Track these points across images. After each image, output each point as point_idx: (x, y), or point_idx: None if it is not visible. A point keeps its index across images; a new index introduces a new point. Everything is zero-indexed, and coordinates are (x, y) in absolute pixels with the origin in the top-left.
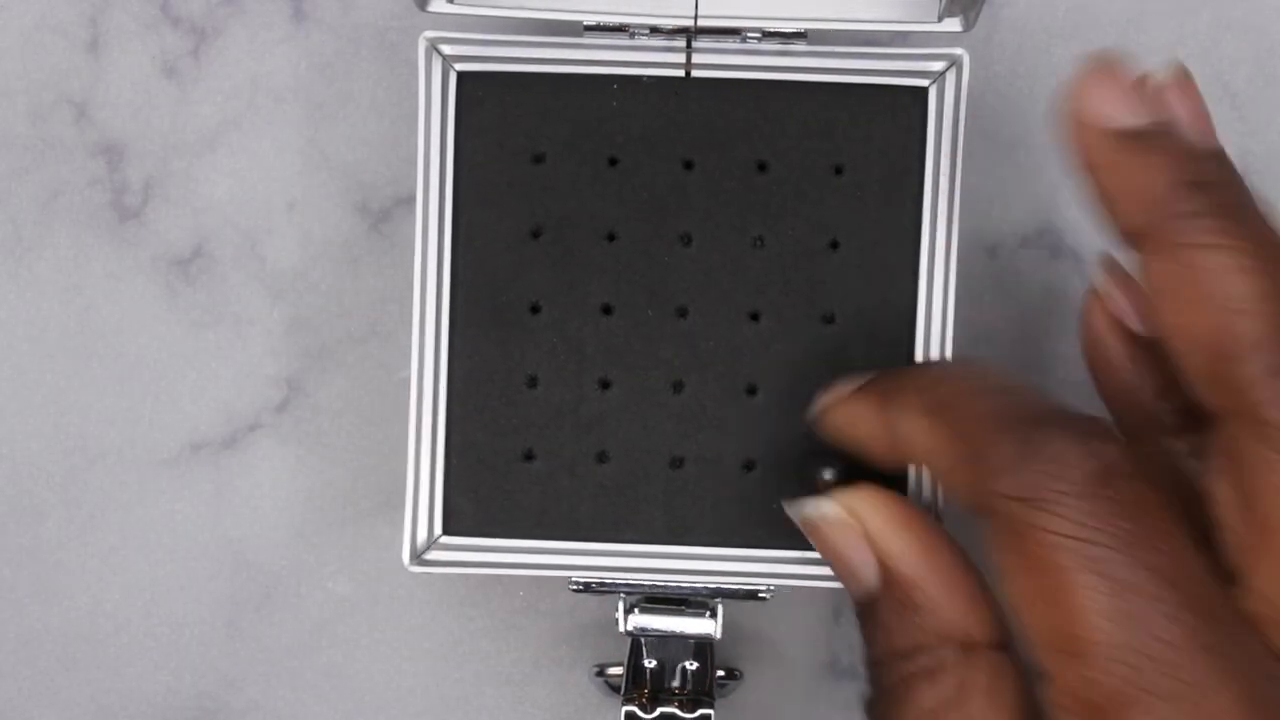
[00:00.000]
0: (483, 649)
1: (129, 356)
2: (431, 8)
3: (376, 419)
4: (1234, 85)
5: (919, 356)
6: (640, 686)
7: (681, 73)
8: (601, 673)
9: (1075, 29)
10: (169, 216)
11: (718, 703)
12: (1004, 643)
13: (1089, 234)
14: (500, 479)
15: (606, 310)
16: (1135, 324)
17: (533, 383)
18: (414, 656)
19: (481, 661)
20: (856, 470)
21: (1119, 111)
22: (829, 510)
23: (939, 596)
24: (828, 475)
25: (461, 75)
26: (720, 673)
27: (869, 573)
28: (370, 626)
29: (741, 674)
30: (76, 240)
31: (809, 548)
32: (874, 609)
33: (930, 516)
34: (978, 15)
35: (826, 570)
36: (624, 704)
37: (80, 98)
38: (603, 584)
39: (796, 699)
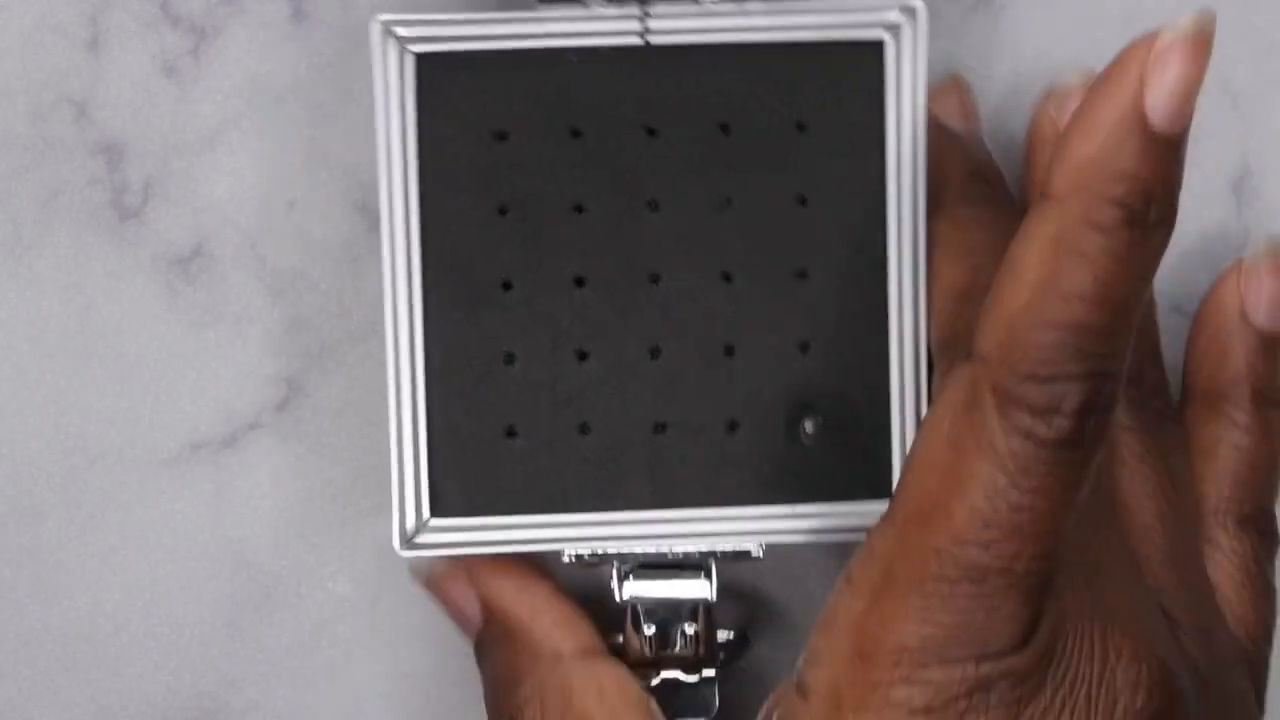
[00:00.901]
0: None
1: (129, 356)
2: None
3: (376, 418)
4: (1234, 85)
5: (893, 307)
6: (640, 653)
7: (639, 40)
8: None
9: (1075, 29)
10: (169, 216)
11: (724, 666)
12: (593, 650)
13: None
14: (484, 458)
15: (579, 282)
16: None
17: (510, 360)
18: (414, 656)
19: None
20: (837, 421)
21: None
22: (438, 565)
23: (528, 620)
24: (809, 428)
25: (418, 57)
26: (730, 634)
27: (474, 610)
28: (370, 626)
29: (750, 638)
30: (76, 240)
31: (798, 500)
32: (481, 643)
33: (529, 564)
34: None
35: (818, 524)
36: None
37: (80, 97)
38: (595, 555)
39: None
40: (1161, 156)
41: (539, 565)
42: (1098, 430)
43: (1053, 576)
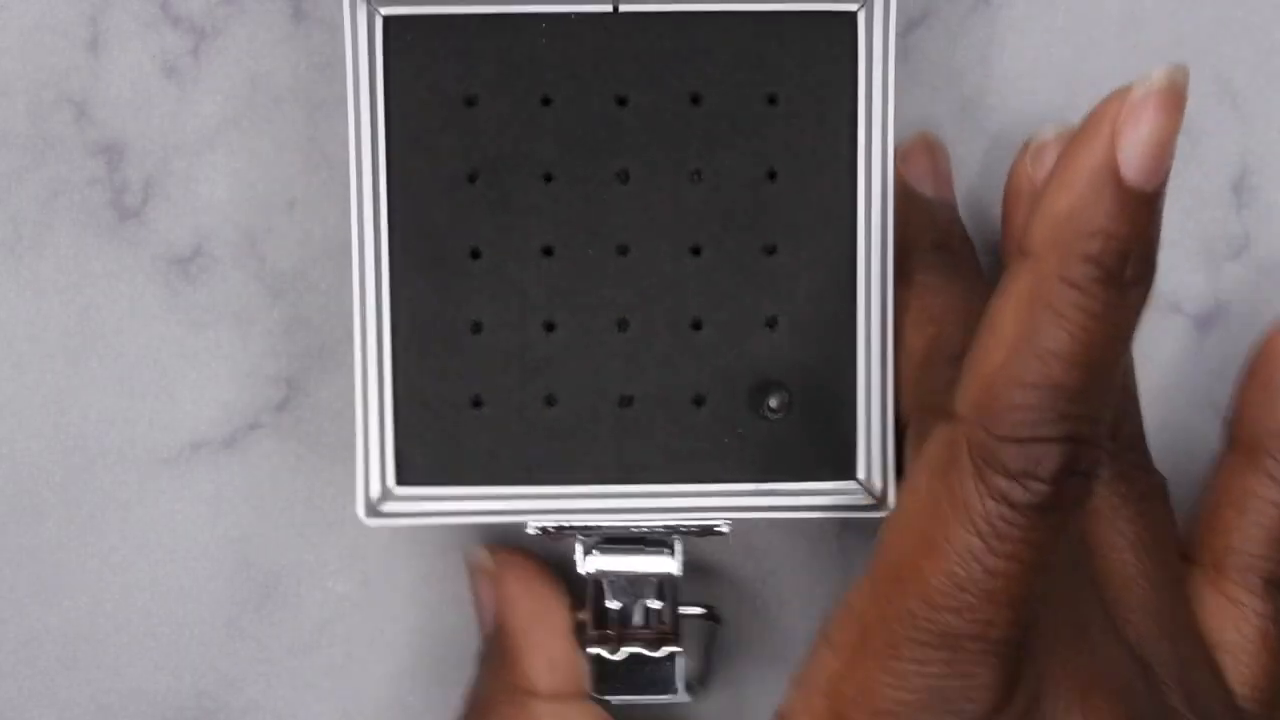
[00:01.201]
0: None
1: (129, 356)
2: None
3: None
4: (1234, 85)
5: (861, 284)
6: (605, 628)
7: (609, 7)
8: None
9: (1074, 29)
10: (169, 216)
11: (689, 641)
12: (569, 694)
13: None
14: (450, 427)
15: (547, 252)
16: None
17: (477, 328)
18: (414, 656)
19: None
20: (802, 398)
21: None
22: (482, 557)
23: (524, 651)
24: (774, 404)
25: (388, 20)
26: (701, 610)
27: (489, 616)
28: (370, 626)
29: (721, 615)
30: (76, 240)
31: (763, 479)
32: (485, 646)
33: (559, 584)
34: None
35: (783, 502)
36: (590, 646)
37: (80, 97)
38: (559, 527)
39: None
40: (1136, 213)
41: (563, 591)
42: (1076, 495)
43: (1028, 640)
